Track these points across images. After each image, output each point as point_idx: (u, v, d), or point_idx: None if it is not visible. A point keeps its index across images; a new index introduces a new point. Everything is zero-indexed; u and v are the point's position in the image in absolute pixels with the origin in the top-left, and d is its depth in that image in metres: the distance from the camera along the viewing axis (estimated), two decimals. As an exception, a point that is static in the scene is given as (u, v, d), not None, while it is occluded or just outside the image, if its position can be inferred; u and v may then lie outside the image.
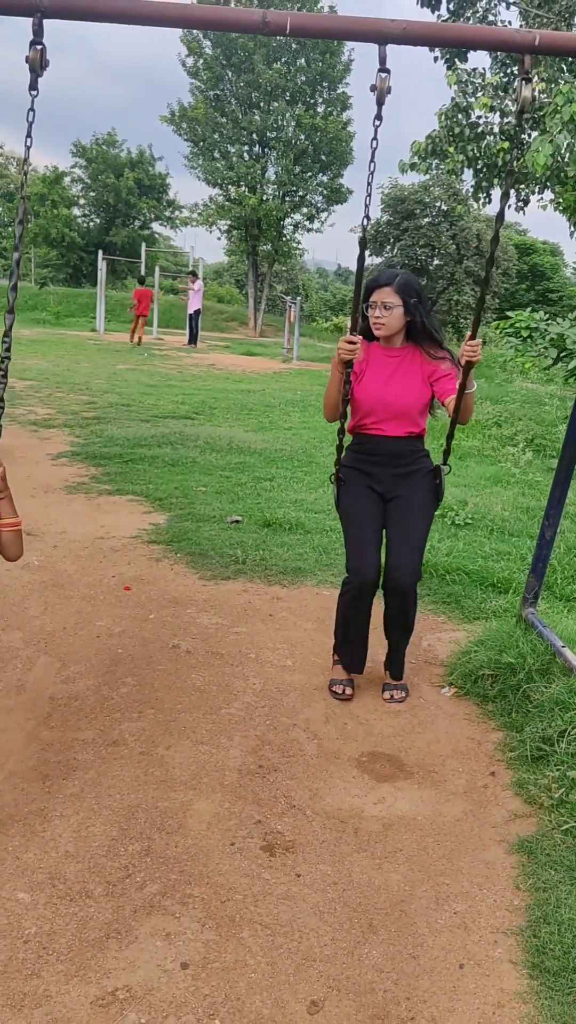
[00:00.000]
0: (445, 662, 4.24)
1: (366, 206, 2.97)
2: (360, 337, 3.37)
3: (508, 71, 14.83)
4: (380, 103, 2.75)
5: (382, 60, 2.74)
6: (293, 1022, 2.16)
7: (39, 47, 2.68)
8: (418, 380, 3.63)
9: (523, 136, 18.09)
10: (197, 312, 23.46)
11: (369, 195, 2.98)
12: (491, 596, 5.15)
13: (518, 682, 3.79)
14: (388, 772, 3.35)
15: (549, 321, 13.20)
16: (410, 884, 2.73)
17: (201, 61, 28.66)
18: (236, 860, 2.76)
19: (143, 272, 27.50)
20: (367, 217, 3.02)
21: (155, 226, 40.52)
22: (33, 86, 2.76)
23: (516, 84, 2.91)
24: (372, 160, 2.86)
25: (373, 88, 2.77)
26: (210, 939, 2.41)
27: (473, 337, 3.28)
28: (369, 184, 2.96)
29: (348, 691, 3.89)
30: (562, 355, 11.98)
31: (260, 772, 3.28)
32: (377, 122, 2.78)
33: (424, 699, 3.97)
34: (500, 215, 3.06)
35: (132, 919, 2.46)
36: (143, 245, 29.42)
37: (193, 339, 23.42)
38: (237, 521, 6.44)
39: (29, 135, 2.85)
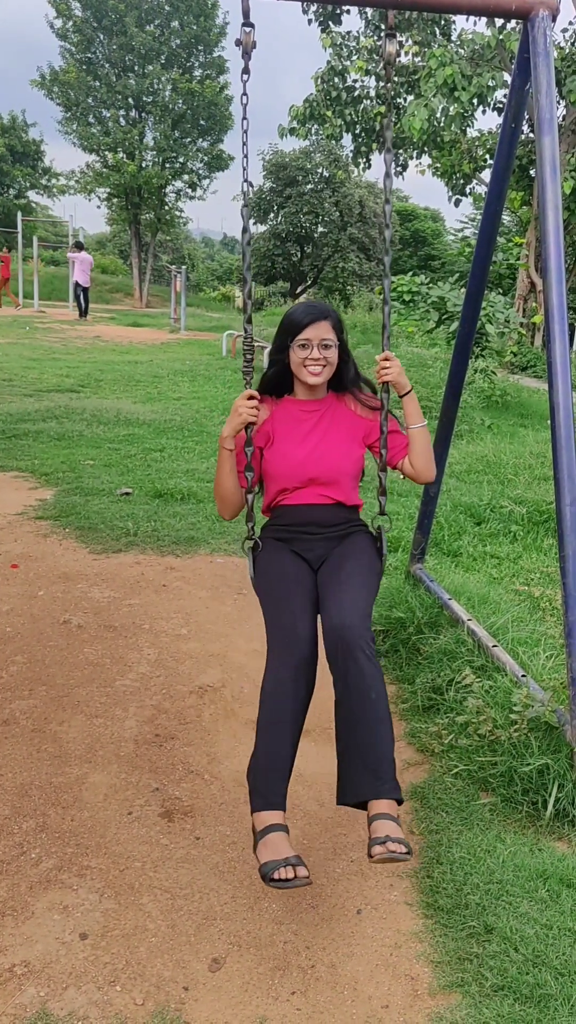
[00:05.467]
0: (338, 621, 4.29)
1: (244, 157, 2.82)
2: (257, 395, 2.72)
3: (381, 34, 14.86)
4: (245, 57, 2.72)
5: (245, 14, 2.71)
6: (195, 981, 2.18)
7: None
8: (347, 436, 2.86)
9: (398, 100, 18.28)
10: (85, 285, 22.88)
11: (246, 152, 2.85)
12: (381, 555, 5.25)
13: (408, 636, 3.88)
14: (285, 731, 3.37)
15: (430, 285, 13.42)
16: (308, 837, 2.78)
17: (71, 23, 27.66)
18: (134, 829, 2.75)
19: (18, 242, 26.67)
20: (247, 182, 2.92)
21: (31, 195, 38.98)
22: None
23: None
24: (244, 116, 2.79)
25: (238, 43, 2.73)
26: (109, 908, 2.40)
27: (384, 350, 2.78)
28: (245, 135, 2.82)
29: (301, 872, 2.15)
30: (443, 318, 12.21)
31: (157, 741, 3.26)
32: (245, 76, 2.74)
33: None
34: (386, 197, 2.84)
35: (28, 895, 2.42)
36: (19, 215, 28.35)
37: (84, 312, 22.87)
38: (127, 493, 6.35)
39: None
